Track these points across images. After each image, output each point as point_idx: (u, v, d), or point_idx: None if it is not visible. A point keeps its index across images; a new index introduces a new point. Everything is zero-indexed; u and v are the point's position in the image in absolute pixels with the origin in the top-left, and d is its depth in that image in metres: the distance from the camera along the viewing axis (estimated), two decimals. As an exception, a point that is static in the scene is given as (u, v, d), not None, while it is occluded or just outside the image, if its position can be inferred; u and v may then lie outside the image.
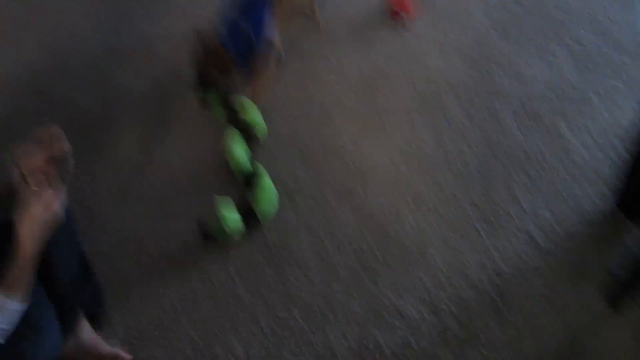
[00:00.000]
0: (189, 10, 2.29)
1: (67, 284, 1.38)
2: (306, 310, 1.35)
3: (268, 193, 1.52)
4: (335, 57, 1.94)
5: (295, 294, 1.38)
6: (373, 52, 1.92)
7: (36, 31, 2.39)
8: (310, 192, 1.58)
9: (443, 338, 1.26)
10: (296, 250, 1.46)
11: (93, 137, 1.88)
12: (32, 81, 2.15)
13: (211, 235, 1.48)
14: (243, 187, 1.57)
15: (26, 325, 1.21)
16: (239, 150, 1.61)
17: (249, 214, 1.49)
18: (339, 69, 1.89)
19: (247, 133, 1.66)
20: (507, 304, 1.29)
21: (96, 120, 1.94)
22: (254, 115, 1.68)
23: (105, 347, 1.33)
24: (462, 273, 1.35)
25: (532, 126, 1.60)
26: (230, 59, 1.56)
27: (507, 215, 1.44)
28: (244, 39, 1.58)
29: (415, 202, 1.51)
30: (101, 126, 1.90)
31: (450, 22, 1.97)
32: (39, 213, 1.08)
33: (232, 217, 1.45)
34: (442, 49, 1.87)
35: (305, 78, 1.89)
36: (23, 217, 1.09)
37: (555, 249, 1.37)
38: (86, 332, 1.37)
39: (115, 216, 1.65)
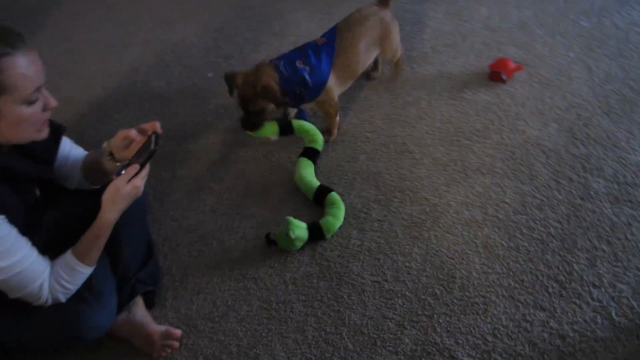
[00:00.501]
0: (292, 39, 2.48)
1: (131, 258, 1.50)
2: (355, 331, 1.36)
3: (335, 208, 1.57)
4: (428, 105, 2.01)
5: (346, 313, 1.40)
6: (468, 108, 1.97)
7: (143, 39, 2.68)
8: (377, 217, 1.61)
9: (493, 390, 1.22)
10: (355, 270, 1.49)
11: (180, 132, 2.04)
12: (135, 80, 2.40)
13: (274, 240, 1.55)
14: (313, 204, 1.65)
15: (88, 289, 1.32)
16: (309, 176, 1.70)
17: (314, 226, 1.54)
18: (430, 115, 1.96)
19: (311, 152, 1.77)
20: (568, 370, 1.24)
21: (187, 118, 2.12)
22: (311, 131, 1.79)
23: (154, 325, 1.41)
24: (522, 328, 1.32)
25: (625, 204, 1.57)
26: (282, 95, 1.66)
27: (580, 280, 1.40)
28: (298, 79, 1.67)
29: (484, 249, 1.50)
30: (190, 124, 2.07)
31: (553, 92, 1.99)
32: (122, 185, 1.20)
33: (298, 223, 1.51)
34: (540, 117, 1.89)
35: (394, 116, 1.97)
36: (108, 188, 1.21)
37: (630, 326, 1.30)
38: (139, 308, 1.45)
39: (184, 205, 1.76)
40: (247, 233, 1.63)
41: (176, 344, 1.38)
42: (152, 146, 1.22)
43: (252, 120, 1.68)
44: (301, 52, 1.73)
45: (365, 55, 1.84)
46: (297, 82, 1.67)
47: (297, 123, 1.81)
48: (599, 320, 1.32)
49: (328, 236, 1.55)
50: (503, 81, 2.05)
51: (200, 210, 1.74)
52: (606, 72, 2.07)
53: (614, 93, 1.97)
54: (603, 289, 1.37)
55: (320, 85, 1.71)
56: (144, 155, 1.20)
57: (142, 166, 1.22)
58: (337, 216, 1.56)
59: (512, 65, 2.07)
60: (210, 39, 2.61)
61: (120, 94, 2.33)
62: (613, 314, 1.32)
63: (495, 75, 2.06)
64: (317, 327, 1.38)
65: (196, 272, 1.56)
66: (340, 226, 1.58)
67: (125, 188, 1.20)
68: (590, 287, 1.38)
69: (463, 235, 1.54)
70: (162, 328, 1.39)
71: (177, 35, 2.68)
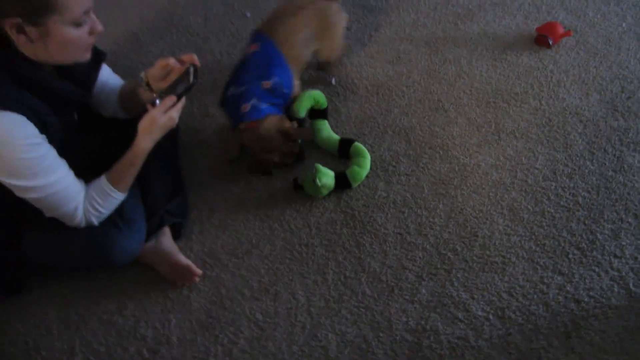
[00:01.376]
0: None
1: (160, 190, 1.60)
2: (374, 278, 1.46)
3: (361, 157, 1.64)
4: (468, 64, 2.02)
5: (367, 260, 1.49)
6: (509, 70, 1.98)
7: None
8: (405, 171, 1.68)
9: (503, 344, 1.31)
10: (378, 221, 1.57)
11: (215, 69, 2.11)
12: (173, 13, 2.44)
13: (301, 185, 1.63)
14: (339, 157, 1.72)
15: (120, 216, 1.42)
16: (326, 134, 1.76)
17: (341, 175, 1.62)
18: (469, 74, 1.98)
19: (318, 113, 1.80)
20: (577, 331, 1.32)
21: (222, 56, 2.17)
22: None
23: (180, 256, 1.52)
24: (538, 289, 1.40)
25: (659, 179, 1.60)
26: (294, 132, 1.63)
27: (602, 250, 1.46)
28: (282, 96, 1.67)
29: (509, 211, 1.56)
30: (225, 62, 2.13)
31: (599, 61, 1.99)
32: (158, 116, 1.28)
33: (325, 171, 1.58)
34: (582, 86, 1.90)
35: (433, 72, 2.00)
36: (144, 117, 1.29)
37: (646, 297, 1.37)
38: (166, 238, 1.57)
39: (215, 143, 1.85)
40: (275, 175, 1.72)
41: (196, 279, 1.49)
42: (191, 79, 1.28)
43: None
44: (253, 72, 1.65)
45: (303, 51, 1.76)
46: (282, 101, 1.69)
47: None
48: (616, 289, 1.39)
49: (354, 185, 1.63)
50: (549, 46, 2.05)
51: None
52: (658, 44, 2.05)
53: (664, 67, 1.96)
54: (624, 260, 1.44)
55: (291, 85, 1.71)
56: (181, 87, 1.27)
57: (179, 98, 1.29)
58: (363, 165, 1.63)
59: (560, 30, 2.06)
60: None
61: (157, 26, 2.38)
62: (630, 285, 1.39)
63: (542, 39, 2.06)
64: (337, 271, 1.48)
65: (223, 209, 1.66)
66: (367, 175, 1.65)
67: (161, 119, 1.28)
68: (611, 257, 1.45)
69: (489, 196, 1.61)
70: (186, 261, 1.50)
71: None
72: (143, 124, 1.30)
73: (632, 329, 1.33)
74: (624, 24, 2.16)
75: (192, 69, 1.29)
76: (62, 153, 1.26)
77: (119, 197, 1.36)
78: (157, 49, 2.25)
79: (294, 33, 1.68)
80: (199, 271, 1.49)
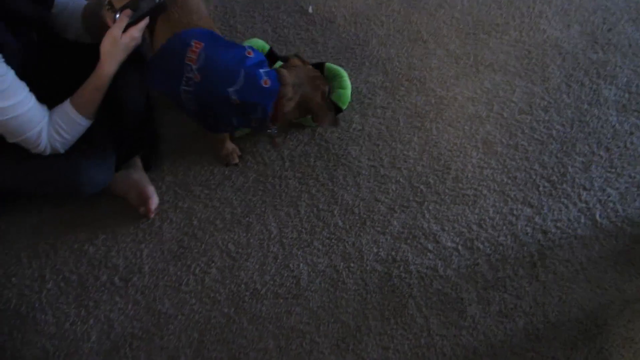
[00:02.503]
0: None
1: (132, 116, 1.51)
2: (346, 210, 1.42)
3: (339, 78, 1.56)
4: None
5: (340, 193, 1.46)
6: (491, 0, 1.87)
7: None
8: (381, 104, 1.61)
9: (470, 273, 1.32)
10: (352, 154, 1.52)
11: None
12: None
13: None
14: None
15: (88, 143, 1.34)
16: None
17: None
18: (450, 4, 1.86)
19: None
20: (543, 260, 1.33)
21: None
22: None
23: (149, 186, 1.46)
24: (508, 220, 1.39)
25: (632, 114, 1.57)
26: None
27: (572, 182, 1.45)
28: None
29: (484, 144, 1.52)
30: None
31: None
32: (118, 35, 1.17)
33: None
34: (564, 17, 1.81)
35: (412, 1, 1.87)
36: (105, 38, 1.19)
37: (611, 228, 1.38)
38: (137, 167, 1.50)
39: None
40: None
41: (150, 215, 1.43)
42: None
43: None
44: (226, 58, 1.24)
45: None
46: None
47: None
48: (582, 220, 1.39)
49: (345, 107, 1.55)
50: (532, -26, 1.93)
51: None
52: (644, -25, 1.95)
53: (647, -1, 1.87)
54: (592, 192, 1.43)
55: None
56: (145, 4, 1.16)
57: (141, 17, 1.18)
58: (344, 86, 1.55)
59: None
60: None
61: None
62: (597, 216, 1.39)
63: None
64: (310, 203, 1.44)
65: (195, 142, 1.59)
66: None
67: (123, 38, 1.18)
68: (580, 190, 1.43)
69: (464, 129, 1.56)
70: (149, 193, 1.44)
71: None
72: (104, 45, 1.20)
73: (596, 258, 1.34)
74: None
75: None
76: (23, 76, 1.16)
77: (84, 123, 1.28)
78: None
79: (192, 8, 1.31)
80: (153, 206, 1.43)
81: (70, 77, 1.29)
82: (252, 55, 1.26)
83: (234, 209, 1.45)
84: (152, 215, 1.44)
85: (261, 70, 1.24)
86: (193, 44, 1.20)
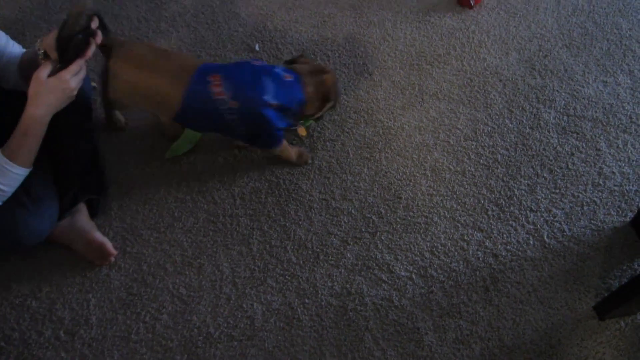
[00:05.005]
0: None
1: (73, 164, 1.46)
2: (299, 245, 1.41)
3: None
4: (392, 26, 1.96)
5: (292, 228, 1.44)
6: (433, 32, 1.94)
7: None
8: (330, 137, 1.62)
9: (425, 301, 1.31)
10: (303, 188, 1.51)
11: (132, 37, 1.94)
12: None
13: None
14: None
15: (26, 194, 1.29)
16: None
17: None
18: (394, 37, 1.92)
19: None
20: (495, 284, 1.33)
21: (139, 23, 2.00)
22: None
23: (96, 234, 1.41)
24: (459, 246, 1.40)
25: (571, 136, 1.63)
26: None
27: (519, 205, 1.47)
28: None
29: (432, 172, 1.54)
30: (142, 30, 1.97)
31: (518, 21, 1.97)
32: (43, 76, 1.14)
33: None
34: (502, 46, 1.88)
35: (358, 35, 1.92)
36: (31, 81, 1.15)
37: (559, 248, 1.40)
38: (82, 215, 1.45)
39: (134, 115, 1.71)
40: (197, 145, 1.61)
41: (111, 259, 1.39)
42: (83, 39, 1.15)
43: None
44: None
45: None
46: None
47: None
48: (531, 242, 1.41)
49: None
50: (470, 6, 2.02)
51: (149, 121, 1.69)
52: (573, 4, 2.06)
53: (577, 26, 1.97)
54: (539, 214, 1.46)
55: None
56: (74, 50, 1.14)
57: (70, 60, 1.16)
58: None
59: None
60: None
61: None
62: (545, 236, 1.41)
63: (464, 0, 2.02)
64: (262, 240, 1.42)
65: (143, 183, 1.55)
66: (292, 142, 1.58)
67: (50, 81, 1.15)
68: (527, 212, 1.46)
69: (413, 158, 1.58)
70: (102, 239, 1.39)
71: None
72: (30, 88, 1.16)
73: (546, 278, 1.35)
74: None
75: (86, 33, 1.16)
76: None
77: (19, 171, 1.22)
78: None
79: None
80: (113, 251, 1.39)
81: (6, 126, 1.25)
82: (258, 62, 1.35)
83: (184, 251, 1.41)
84: (113, 259, 1.38)
85: (277, 70, 1.32)
86: (211, 80, 1.25)
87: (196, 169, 1.57)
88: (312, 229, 1.43)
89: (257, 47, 1.88)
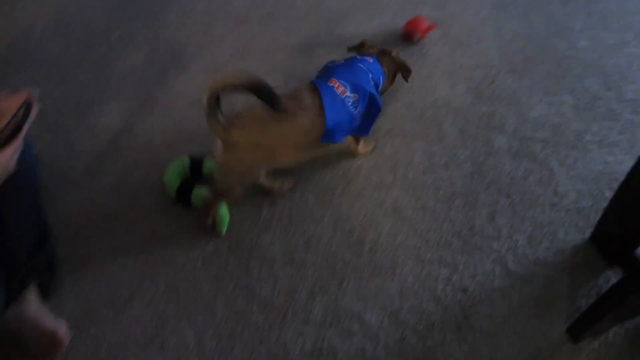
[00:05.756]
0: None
1: (20, 244, 1.40)
2: (265, 305, 1.37)
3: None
4: None
5: (257, 288, 1.41)
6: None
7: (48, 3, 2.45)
8: (289, 186, 1.61)
9: (400, 348, 1.29)
10: (265, 244, 1.49)
11: (80, 102, 1.92)
12: (28, 41, 2.20)
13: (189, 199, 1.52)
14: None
15: (-33, 283, 1.22)
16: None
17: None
18: None
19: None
20: (468, 320, 1.32)
21: (88, 85, 1.99)
22: None
23: (49, 319, 1.34)
24: (427, 285, 1.39)
25: (524, 158, 1.66)
26: None
27: (481, 234, 1.49)
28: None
29: (393, 211, 1.55)
30: (92, 92, 1.95)
31: (463, 51, 2.04)
32: None
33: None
34: (450, 77, 1.94)
35: (309, 78, 1.95)
36: None
37: (524, 273, 1.41)
38: (33, 300, 1.38)
39: (85, 183, 1.68)
40: (154, 210, 1.58)
41: (62, 348, 1.32)
42: (20, 116, 1.12)
43: None
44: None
45: None
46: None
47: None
48: (497, 271, 1.41)
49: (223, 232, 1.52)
50: (413, 42, 2.08)
51: (102, 188, 1.66)
52: (513, 31, 2.15)
53: (518, 52, 2.05)
54: (501, 241, 1.47)
55: None
56: (9, 126, 1.11)
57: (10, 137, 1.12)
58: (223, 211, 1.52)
59: (425, 24, 2.09)
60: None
61: (12, 59, 2.14)
62: (509, 264, 1.42)
63: (408, 35, 2.08)
64: (226, 304, 1.38)
65: (98, 256, 1.50)
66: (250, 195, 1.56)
67: None
68: (490, 240, 1.47)
69: (373, 198, 1.58)
70: (52, 326, 1.32)
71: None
72: None
73: (516, 307, 1.35)
74: (482, 13, 2.24)
75: (24, 107, 1.13)
76: None
77: None
78: (14, 83, 2.01)
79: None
80: (66, 337, 1.32)
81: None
82: (335, 61, 1.56)
83: (146, 325, 1.36)
84: (66, 344, 1.31)
85: (360, 57, 1.57)
86: (332, 84, 1.43)
87: (154, 235, 1.53)
88: (277, 286, 1.41)
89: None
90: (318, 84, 1.41)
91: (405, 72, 1.66)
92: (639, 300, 1.17)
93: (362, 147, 1.66)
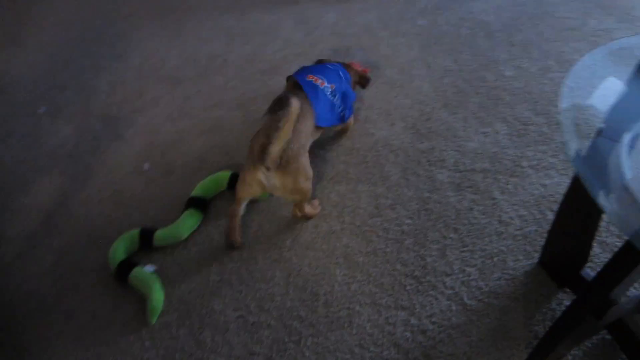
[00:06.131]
0: (137, 61, 2.36)
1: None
2: (221, 375, 1.32)
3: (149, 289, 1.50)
4: None
5: (211, 358, 1.35)
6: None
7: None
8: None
9: (365, 403, 1.25)
10: (216, 309, 1.45)
11: (7, 182, 1.84)
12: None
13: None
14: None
15: None
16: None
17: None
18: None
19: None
20: (431, 364, 1.31)
21: (15, 164, 1.92)
22: None
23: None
24: (386, 331, 1.38)
25: (466, 189, 1.71)
26: None
27: (434, 272, 1.50)
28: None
29: (344, 259, 1.54)
30: (19, 171, 1.88)
31: (397, 91, 2.12)
32: None
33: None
34: (387, 117, 2.00)
35: (247, 134, 1.96)
36: None
37: (480, 307, 1.42)
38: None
39: (17, 270, 1.59)
40: (94, 291, 1.52)
41: None
42: None
43: None
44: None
45: None
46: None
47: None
48: (453, 307, 1.42)
49: (153, 321, 1.45)
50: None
51: (36, 273, 1.58)
52: (443, 66, 2.26)
53: (450, 86, 2.15)
54: (454, 276, 1.48)
55: None
56: None
57: None
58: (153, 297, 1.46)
59: (358, 68, 2.16)
60: (41, 67, 2.40)
61: None
62: (465, 299, 1.43)
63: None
64: (180, 379, 1.32)
65: (35, 346, 1.41)
66: (197, 260, 1.53)
67: None
68: (443, 277, 1.48)
69: (323, 248, 1.58)
70: None
71: (1, 65, 2.43)
72: None
73: (476, 342, 1.35)
74: (412, 53, 2.35)
75: None
76: None
77: None
78: None
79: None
80: None
81: None
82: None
83: (94, 416, 1.27)
84: None
85: (327, 62, 1.85)
86: (311, 79, 1.65)
87: (96, 318, 1.46)
88: (232, 354, 1.36)
89: (146, 167, 1.86)
90: (299, 79, 1.64)
91: (365, 80, 1.93)
92: (592, 321, 1.19)
93: (309, 208, 1.66)
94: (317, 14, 2.63)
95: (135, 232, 1.57)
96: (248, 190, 1.44)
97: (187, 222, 1.60)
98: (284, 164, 1.40)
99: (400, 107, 2.06)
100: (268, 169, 1.39)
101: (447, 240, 1.58)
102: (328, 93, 1.69)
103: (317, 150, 1.89)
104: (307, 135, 1.57)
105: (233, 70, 2.30)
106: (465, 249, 1.55)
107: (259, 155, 1.35)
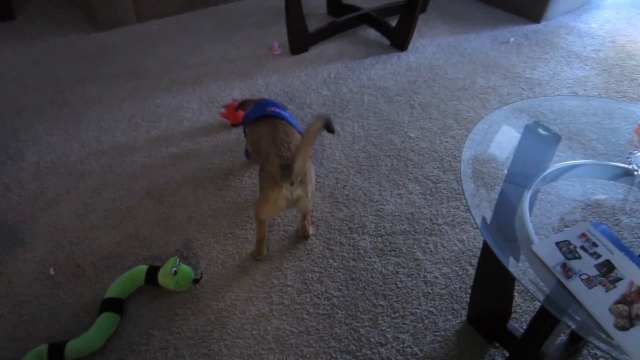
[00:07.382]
0: (33, 159, 2.27)
1: None
2: None
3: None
4: (195, 202, 2.03)
5: None
6: (236, 195, 2.06)
7: None
8: (159, 345, 1.52)
9: None
10: (140, 422, 1.35)
11: None
12: None
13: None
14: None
15: None
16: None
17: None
18: (199, 212, 1.98)
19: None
20: None
21: None
22: None
23: None
24: (328, 416, 1.36)
25: (389, 253, 1.79)
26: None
27: (368, 343, 1.52)
28: None
29: (277, 342, 1.53)
30: None
31: (312, 161, 2.20)
32: None
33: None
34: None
35: (163, 222, 1.92)
36: None
37: (419, 372, 1.45)
38: None
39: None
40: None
41: None
42: None
43: None
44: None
45: None
46: None
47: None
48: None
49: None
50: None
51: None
52: (351, 133, 2.40)
53: (361, 152, 2.28)
54: (389, 345, 1.52)
55: None
56: None
57: None
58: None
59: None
60: None
61: None
62: (399, 368, 1.46)
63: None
64: None
65: None
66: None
67: None
68: (378, 347, 1.51)
69: (253, 334, 1.55)
70: None
71: None
72: None
73: (420, 411, 1.37)
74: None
75: None
76: None
77: None
78: None
79: None
80: None
81: None
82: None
83: None
84: None
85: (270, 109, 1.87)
86: (271, 109, 1.81)
87: None
88: None
89: (52, 271, 1.76)
90: (268, 111, 1.80)
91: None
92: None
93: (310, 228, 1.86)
94: (221, 92, 2.72)
95: (43, 347, 1.46)
96: (273, 210, 1.59)
97: (102, 329, 1.52)
98: (303, 174, 1.54)
99: (315, 177, 2.14)
100: (292, 184, 1.52)
101: (378, 308, 1.62)
102: (284, 113, 1.85)
103: (236, 230, 1.90)
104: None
105: (141, 157, 2.28)
106: (396, 315, 1.60)
107: (284, 173, 1.49)
